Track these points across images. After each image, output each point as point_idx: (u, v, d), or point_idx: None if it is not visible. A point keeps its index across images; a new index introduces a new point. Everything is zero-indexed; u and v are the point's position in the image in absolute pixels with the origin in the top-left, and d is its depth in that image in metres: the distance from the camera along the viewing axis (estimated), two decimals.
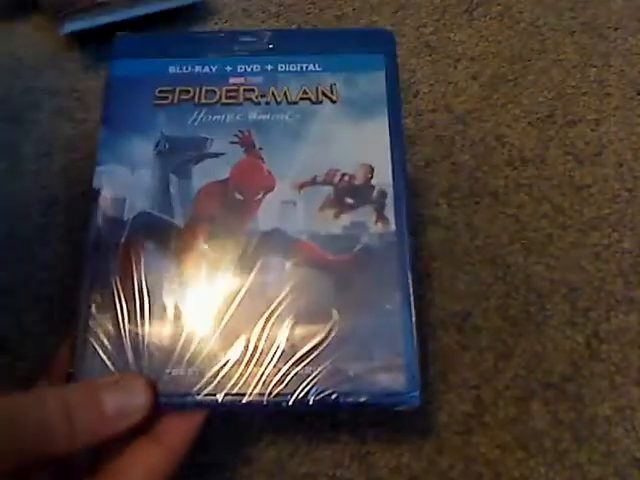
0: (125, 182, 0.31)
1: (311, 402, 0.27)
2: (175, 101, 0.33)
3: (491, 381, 0.34)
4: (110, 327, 0.28)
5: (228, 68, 0.34)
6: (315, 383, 0.27)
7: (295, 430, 0.33)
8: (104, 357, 0.27)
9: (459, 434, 0.33)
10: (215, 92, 0.33)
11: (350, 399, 0.27)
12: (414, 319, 0.28)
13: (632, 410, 0.33)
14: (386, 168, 0.31)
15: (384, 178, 0.31)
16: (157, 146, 0.32)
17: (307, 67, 0.34)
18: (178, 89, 0.33)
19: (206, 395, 0.27)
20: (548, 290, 0.37)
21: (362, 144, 0.32)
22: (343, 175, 0.31)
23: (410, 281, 0.29)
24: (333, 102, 0.33)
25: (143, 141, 0.32)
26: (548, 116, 0.44)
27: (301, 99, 0.33)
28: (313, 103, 0.33)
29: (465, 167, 0.42)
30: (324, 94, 0.33)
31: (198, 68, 0.34)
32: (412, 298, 0.29)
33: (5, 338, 0.36)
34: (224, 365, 0.27)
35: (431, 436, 0.33)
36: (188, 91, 0.33)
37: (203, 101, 0.33)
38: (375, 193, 0.31)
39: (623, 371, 0.35)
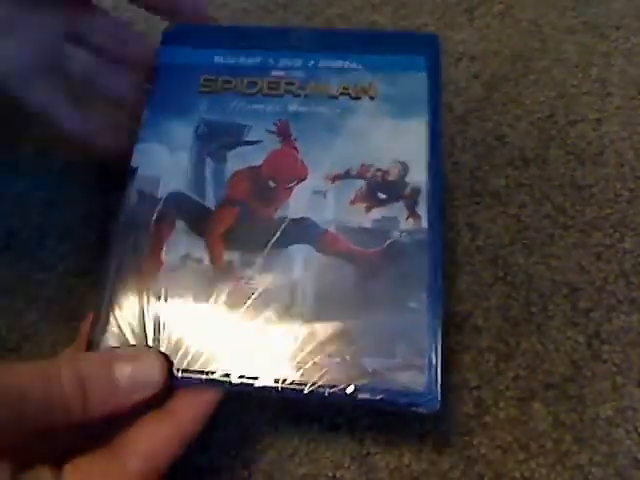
0: (162, 162, 0.32)
1: (326, 394, 0.26)
2: (218, 89, 0.34)
3: (492, 382, 0.34)
4: (133, 301, 0.28)
5: (271, 61, 0.35)
6: (332, 375, 0.26)
7: (294, 431, 0.33)
8: (124, 329, 0.28)
9: (460, 435, 0.33)
10: (257, 83, 0.34)
11: (367, 395, 0.26)
12: (440, 319, 0.27)
13: (634, 411, 0.33)
14: (421, 167, 0.31)
15: (418, 176, 0.31)
16: (197, 130, 0.33)
17: (348, 65, 0.34)
18: (221, 78, 0.34)
19: (220, 375, 0.27)
20: (549, 290, 0.37)
21: (398, 142, 0.32)
22: (377, 170, 0.31)
23: (439, 281, 0.28)
24: (372, 99, 0.33)
25: (184, 124, 0.33)
26: (549, 116, 0.44)
27: (341, 94, 0.33)
28: (352, 98, 0.33)
29: (466, 167, 0.42)
30: (363, 90, 0.33)
31: (242, 60, 0.35)
32: (440, 298, 0.28)
33: (4, 338, 0.36)
34: (241, 347, 0.27)
35: (431, 437, 0.33)
36: (231, 81, 0.34)
37: (245, 91, 0.34)
38: (408, 190, 0.31)
39: (625, 372, 0.35)
